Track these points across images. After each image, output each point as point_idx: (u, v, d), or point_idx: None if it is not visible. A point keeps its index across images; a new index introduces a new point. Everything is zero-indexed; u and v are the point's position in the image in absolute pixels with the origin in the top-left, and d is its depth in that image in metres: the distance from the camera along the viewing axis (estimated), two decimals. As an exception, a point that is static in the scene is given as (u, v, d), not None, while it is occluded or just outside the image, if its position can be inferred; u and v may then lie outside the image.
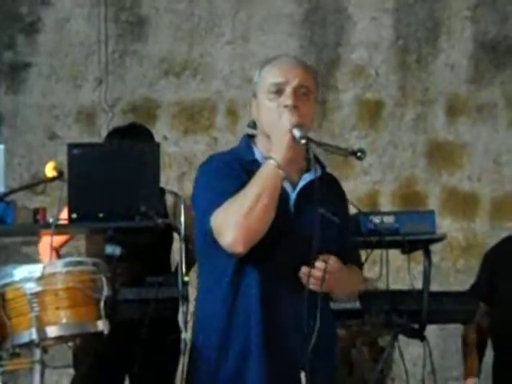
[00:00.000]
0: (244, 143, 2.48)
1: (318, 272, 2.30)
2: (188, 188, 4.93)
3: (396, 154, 5.02)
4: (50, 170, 3.18)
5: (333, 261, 2.32)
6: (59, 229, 3.05)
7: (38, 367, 2.53)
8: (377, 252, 3.26)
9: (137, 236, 3.14)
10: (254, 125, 3.05)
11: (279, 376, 2.32)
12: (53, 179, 3.17)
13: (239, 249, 2.28)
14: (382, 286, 3.32)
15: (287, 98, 2.34)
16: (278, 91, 2.36)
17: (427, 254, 3.36)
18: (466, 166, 5.01)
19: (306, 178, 2.41)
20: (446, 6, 5.04)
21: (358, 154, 3.35)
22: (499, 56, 5.04)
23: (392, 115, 5.03)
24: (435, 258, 3.60)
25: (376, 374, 3.48)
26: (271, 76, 2.39)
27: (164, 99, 5.02)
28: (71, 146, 3.12)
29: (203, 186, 2.40)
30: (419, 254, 3.44)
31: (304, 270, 2.31)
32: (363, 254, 3.23)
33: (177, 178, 4.98)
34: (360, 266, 2.56)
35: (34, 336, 2.46)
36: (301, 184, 2.40)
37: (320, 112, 5.02)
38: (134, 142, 3.48)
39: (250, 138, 2.48)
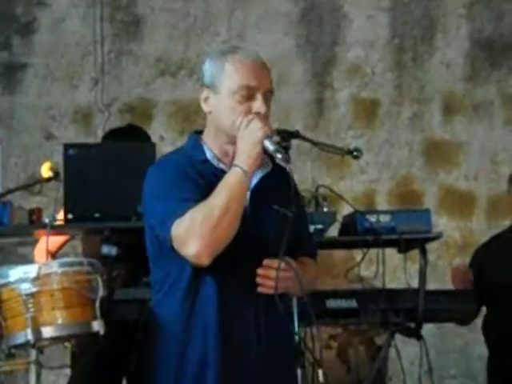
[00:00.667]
0: (192, 142, 2.40)
1: (273, 272, 2.26)
2: (185, 188, 4.95)
3: (392, 152, 5.02)
4: (45, 171, 3.18)
5: (288, 263, 2.28)
6: (55, 229, 3.04)
7: (33, 368, 2.52)
8: (373, 251, 3.26)
9: (135, 237, 3.13)
10: None
11: (236, 381, 2.28)
12: (49, 179, 3.17)
13: (204, 260, 2.22)
14: (378, 284, 3.32)
15: (260, 106, 2.28)
16: (248, 95, 2.29)
17: (423, 252, 3.36)
18: (462, 165, 5.01)
19: (258, 174, 2.35)
20: (442, 5, 5.04)
21: (354, 153, 3.36)
22: (495, 54, 5.04)
23: (388, 114, 5.03)
24: (431, 257, 3.60)
25: (373, 373, 3.48)
26: (242, 77, 2.30)
27: (160, 99, 5.02)
28: (67, 147, 3.12)
29: (158, 193, 2.31)
30: (415, 253, 3.44)
31: (260, 272, 2.27)
32: (360, 253, 3.23)
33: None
34: (315, 256, 2.49)
35: (30, 337, 2.45)
36: (254, 182, 2.34)
37: (316, 111, 5.02)
38: (130, 143, 3.46)
39: (197, 135, 2.41)
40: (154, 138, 4.82)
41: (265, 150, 2.29)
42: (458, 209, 4.97)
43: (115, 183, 3.07)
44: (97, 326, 2.49)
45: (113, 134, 3.60)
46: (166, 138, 5.00)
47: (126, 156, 3.16)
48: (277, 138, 2.30)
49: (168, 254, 2.30)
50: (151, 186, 2.36)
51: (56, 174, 3.13)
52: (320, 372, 2.35)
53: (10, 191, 3.25)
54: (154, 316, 2.40)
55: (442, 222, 4.79)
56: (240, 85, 2.30)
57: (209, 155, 2.36)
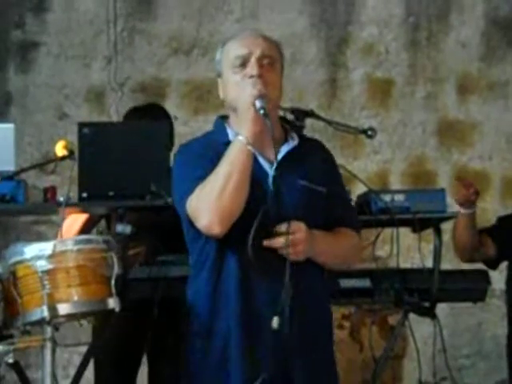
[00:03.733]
0: (217, 125, 2.45)
1: (281, 239, 2.25)
2: (198, 167, 4.94)
3: (406, 132, 5.00)
4: (60, 149, 3.18)
5: (296, 225, 2.27)
6: (69, 208, 3.05)
7: (49, 345, 2.54)
8: (387, 231, 3.26)
9: (153, 215, 3.14)
10: None
11: (260, 359, 2.29)
12: (63, 158, 3.17)
13: (216, 230, 2.26)
14: (392, 264, 3.32)
15: (252, 69, 2.32)
16: (243, 63, 2.34)
17: (438, 232, 3.36)
18: (476, 145, 4.98)
19: (283, 150, 2.37)
20: (457, -17, 5.01)
21: (369, 132, 3.35)
22: (511, 34, 5.00)
23: (402, 94, 5.00)
24: (446, 237, 3.59)
25: (386, 352, 3.48)
26: (234, 50, 2.36)
27: (173, 78, 5.01)
28: (82, 125, 3.12)
29: (177, 175, 2.39)
30: (430, 233, 3.43)
31: (266, 242, 2.27)
32: (373, 232, 3.23)
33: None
34: (356, 228, 2.47)
35: (46, 313, 2.47)
36: (278, 157, 2.34)
37: (330, 91, 5.00)
38: (144, 121, 3.47)
39: (224, 118, 2.45)
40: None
41: (283, 124, 2.29)
42: (472, 189, 4.95)
43: (130, 162, 3.08)
44: (112, 303, 2.50)
45: (134, 112, 3.60)
46: (179, 118, 4.99)
47: (141, 134, 3.16)
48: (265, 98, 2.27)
49: (194, 233, 2.34)
50: (173, 171, 2.44)
51: (71, 153, 3.14)
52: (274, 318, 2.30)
53: (24, 170, 3.25)
54: (187, 296, 2.44)
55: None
56: (233, 57, 2.36)
57: (231, 137, 2.38)
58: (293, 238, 2.26)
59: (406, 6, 5.01)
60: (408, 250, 3.85)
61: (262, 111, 2.25)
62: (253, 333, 2.29)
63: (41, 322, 2.53)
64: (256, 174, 2.29)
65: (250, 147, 2.25)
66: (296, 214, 2.29)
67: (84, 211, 3.21)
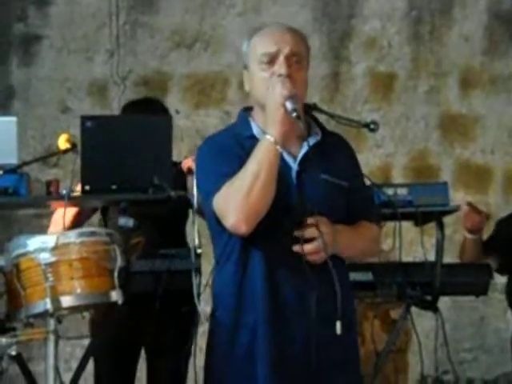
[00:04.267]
0: (241, 118, 2.44)
1: (311, 246, 2.27)
2: (200, 161, 4.94)
3: (409, 126, 5.00)
4: (63, 142, 3.18)
5: (322, 223, 2.28)
6: (72, 201, 3.05)
7: (52, 337, 2.54)
8: (390, 224, 3.26)
9: (154, 208, 3.13)
10: None
11: (288, 352, 2.31)
12: (66, 151, 3.17)
13: (243, 229, 2.27)
14: (394, 258, 3.32)
15: (280, 67, 2.31)
16: (271, 61, 2.33)
17: (440, 225, 3.35)
18: (479, 139, 4.98)
19: (306, 144, 2.36)
20: (460, -23, 5.00)
21: (371, 125, 3.35)
22: (514, 27, 5.00)
23: (405, 88, 5.00)
24: (448, 231, 3.59)
25: (388, 345, 3.48)
26: (262, 46, 2.35)
27: (176, 72, 5.01)
28: (84, 119, 3.11)
29: (203, 170, 2.38)
30: (432, 227, 3.43)
31: (297, 248, 2.28)
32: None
33: (189, 152, 4.98)
34: (377, 221, 2.48)
35: (49, 306, 2.47)
36: (301, 153, 2.36)
37: (332, 85, 5.00)
38: (147, 115, 3.46)
39: (247, 111, 2.45)
40: (170, 111, 4.83)
41: (307, 119, 2.30)
42: (475, 183, 4.96)
43: (132, 155, 3.07)
44: (115, 295, 2.51)
45: (131, 106, 3.59)
46: (181, 111, 4.99)
47: (143, 128, 3.16)
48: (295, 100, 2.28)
49: (218, 228, 2.34)
50: (197, 166, 2.43)
51: (73, 146, 3.14)
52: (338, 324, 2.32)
53: (26, 163, 3.25)
54: (214, 289, 2.44)
55: (458, 196, 4.77)
56: (261, 53, 2.34)
57: (255, 131, 2.39)
58: (321, 239, 2.27)
59: (408, -1, 5.01)
60: (410, 244, 3.85)
61: (294, 114, 2.25)
62: (280, 328, 2.30)
63: (44, 315, 2.53)
64: (280, 170, 2.30)
65: (278, 147, 2.26)
66: (319, 207, 2.30)
67: (74, 205, 3.20)
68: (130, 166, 3.06)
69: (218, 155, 2.35)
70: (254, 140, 2.35)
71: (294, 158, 2.36)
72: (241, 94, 5.02)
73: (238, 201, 2.24)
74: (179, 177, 3.23)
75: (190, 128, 5.01)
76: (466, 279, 3.38)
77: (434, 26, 5.00)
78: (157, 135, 3.12)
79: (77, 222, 3.29)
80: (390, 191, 3.25)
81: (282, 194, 2.28)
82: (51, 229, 3.42)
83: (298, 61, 2.35)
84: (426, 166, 4.97)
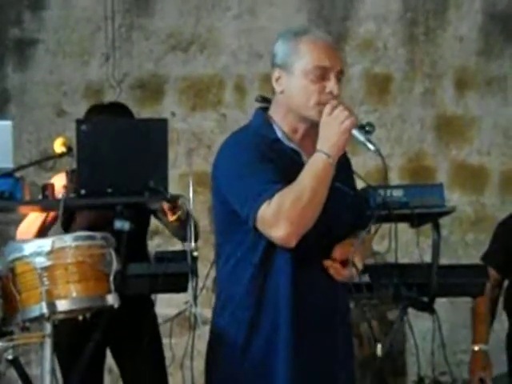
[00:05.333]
0: (260, 120, 2.43)
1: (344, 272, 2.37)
2: (196, 164, 4.94)
3: (404, 128, 5.00)
4: (58, 146, 3.19)
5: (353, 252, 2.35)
6: (68, 204, 3.05)
7: (48, 341, 2.54)
8: (386, 226, 3.25)
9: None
10: (262, 99, 3.04)
11: (308, 359, 2.33)
12: (62, 155, 3.18)
13: (292, 243, 2.29)
14: (390, 259, 3.32)
15: (333, 86, 2.33)
16: (322, 75, 2.34)
17: (436, 227, 3.35)
18: (475, 140, 4.99)
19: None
20: (455, -22, 5.01)
21: (367, 127, 3.33)
22: (509, 28, 5.00)
23: (400, 89, 5.00)
24: (444, 232, 3.60)
25: (385, 347, 3.48)
26: (316, 58, 2.35)
27: (171, 74, 5.01)
28: (80, 122, 3.12)
29: (238, 171, 2.34)
30: (428, 228, 3.43)
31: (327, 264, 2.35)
32: (372, 228, 3.23)
33: (185, 154, 4.98)
34: (369, 230, 2.55)
35: (45, 310, 2.47)
36: None
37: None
38: (142, 118, 3.47)
39: (264, 112, 2.44)
40: (166, 114, 4.84)
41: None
42: (471, 184, 4.96)
43: (128, 159, 3.08)
44: (111, 299, 2.51)
45: (95, 110, 3.57)
46: (177, 114, 5.00)
47: (139, 131, 3.16)
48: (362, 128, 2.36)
49: (239, 227, 2.34)
50: (229, 164, 2.38)
51: (69, 150, 3.14)
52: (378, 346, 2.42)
53: (22, 167, 3.25)
54: (222, 291, 2.44)
55: (454, 198, 4.78)
56: (314, 65, 2.35)
57: (279, 134, 2.40)
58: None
59: (403, 1, 5.01)
60: (406, 245, 3.84)
61: (371, 147, 2.33)
62: (301, 330, 2.33)
63: (40, 319, 2.53)
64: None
65: (333, 166, 2.31)
66: (334, 216, 2.35)
67: (43, 210, 3.20)
68: (126, 169, 3.07)
69: (259, 159, 2.34)
70: (278, 143, 2.37)
71: None
72: (236, 96, 5.03)
73: (294, 216, 2.25)
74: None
75: (186, 131, 5.01)
76: (463, 280, 3.37)
77: (428, 27, 5.01)
78: (153, 138, 3.12)
79: (47, 228, 3.30)
80: (385, 193, 3.25)
81: None
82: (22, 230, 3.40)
83: (340, 79, 2.38)
84: (422, 167, 4.97)
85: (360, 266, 2.41)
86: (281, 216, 2.25)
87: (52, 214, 3.28)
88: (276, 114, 2.41)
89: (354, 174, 2.57)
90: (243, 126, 2.49)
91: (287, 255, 2.33)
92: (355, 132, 2.31)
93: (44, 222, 3.31)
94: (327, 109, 2.31)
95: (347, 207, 2.42)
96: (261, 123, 2.42)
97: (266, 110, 2.45)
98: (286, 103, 2.39)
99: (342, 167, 2.45)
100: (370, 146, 2.34)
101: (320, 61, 2.34)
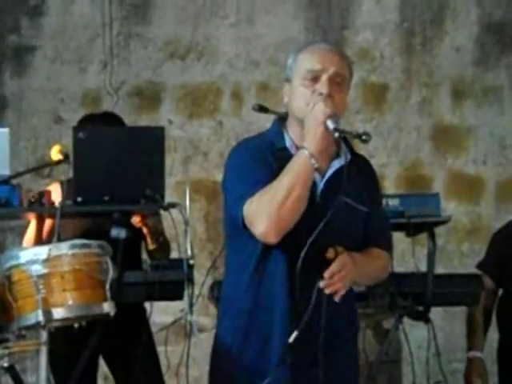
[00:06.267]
0: (276, 128, 2.47)
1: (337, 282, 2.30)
2: (193, 172, 4.95)
3: (401, 137, 5.01)
4: (55, 154, 3.19)
5: (338, 264, 2.31)
6: (65, 212, 3.05)
7: (44, 349, 2.55)
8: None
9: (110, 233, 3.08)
10: (258, 108, 3.06)
11: (303, 359, 2.34)
12: (58, 162, 3.18)
13: (271, 239, 2.31)
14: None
15: (323, 86, 2.34)
16: (314, 78, 2.36)
17: (432, 236, 3.37)
18: (471, 150, 5.00)
19: (335, 164, 2.41)
20: (451, -11, 5.02)
21: (363, 136, 3.35)
22: (505, 38, 5.02)
23: (397, 98, 5.02)
24: (440, 241, 3.60)
25: (380, 356, 3.49)
26: (308, 62, 2.38)
27: (169, 82, 5.01)
28: (77, 130, 3.12)
29: (235, 173, 2.41)
30: (424, 237, 3.44)
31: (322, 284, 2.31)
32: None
33: (182, 162, 4.99)
34: (388, 248, 2.54)
35: (41, 318, 2.47)
36: (329, 172, 2.40)
37: (325, 95, 5.01)
38: (139, 126, 3.46)
39: (282, 121, 2.47)
40: (163, 122, 4.84)
41: (337, 140, 2.34)
42: (467, 193, 4.97)
43: (124, 166, 3.08)
44: (107, 307, 2.51)
45: (87, 120, 3.57)
46: (174, 122, 5.00)
47: (136, 139, 3.17)
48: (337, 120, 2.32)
49: (241, 233, 2.37)
50: (230, 167, 2.45)
51: (66, 157, 3.15)
52: None
53: (19, 174, 3.26)
54: (223, 296, 2.48)
55: (450, 207, 4.79)
56: (306, 69, 2.38)
57: (288, 143, 2.42)
58: (339, 275, 2.30)
59: (400, 11, 5.03)
60: (402, 254, 3.87)
61: (336, 134, 2.28)
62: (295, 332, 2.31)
63: (36, 326, 2.53)
64: None
65: (313, 162, 2.29)
66: (338, 230, 2.34)
67: (40, 217, 3.20)
68: (123, 176, 3.07)
69: (253, 162, 2.38)
70: (285, 152, 2.39)
71: (322, 176, 2.40)
72: (233, 104, 5.04)
73: (271, 211, 2.27)
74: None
75: (183, 138, 5.01)
76: (458, 290, 3.38)
77: (425, 37, 5.02)
78: (149, 146, 3.12)
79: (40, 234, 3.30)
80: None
81: (306, 210, 2.32)
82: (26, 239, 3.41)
83: (339, 82, 2.38)
84: (418, 176, 4.98)
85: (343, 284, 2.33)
86: (259, 213, 2.29)
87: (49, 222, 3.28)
88: (288, 124, 2.46)
89: (378, 186, 2.54)
90: (257, 134, 2.54)
91: (283, 262, 2.34)
92: (328, 122, 2.29)
93: (42, 230, 3.31)
94: (309, 106, 2.33)
95: (352, 223, 2.40)
96: (274, 131, 2.47)
97: (284, 120, 2.48)
98: (291, 112, 2.43)
99: (364, 179, 2.45)
100: (336, 134, 2.27)
101: (312, 64, 2.37)
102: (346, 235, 2.37)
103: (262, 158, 2.38)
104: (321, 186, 2.39)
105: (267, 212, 2.27)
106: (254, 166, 2.37)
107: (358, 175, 2.43)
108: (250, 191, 2.32)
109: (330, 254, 2.31)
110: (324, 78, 2.35)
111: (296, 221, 2.30)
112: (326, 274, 2.29)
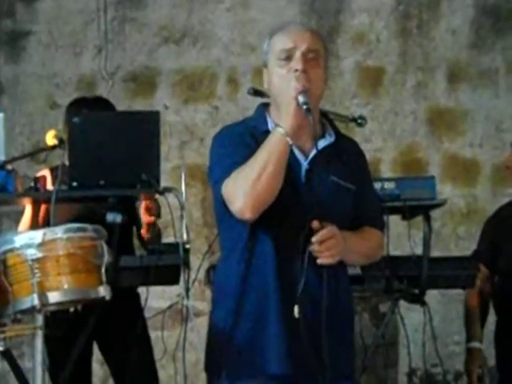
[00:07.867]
0: (259, 112, 2.49)
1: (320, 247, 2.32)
2: (189, 157, 4.95)
3: (397, 121, 5.01)
4: (50, 139, 3.18)
5: (327, 230, 2.32)
6: (60, 197, 3.05)
7: (40, 333, 2.55)
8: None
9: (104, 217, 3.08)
10: (253, 92, 3.05)
11: (297, 338, 2.33)
12: (53, 147, 3.17)
13: (247, 215, 2.31)
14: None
15: (297, 63, 2.36)
16: (288, 57, 2.38)
17: (427, 219, 3.37)
18: (467, 133, 5.00)
19: (320, 145, 2.41)
20: (447, -28, 5.01)
21: (359, 120, 3.37)
22: (500, 21, 5.01)
23: (393, 82, 5.01)
24: (436, 225, 3.61)
25: (377, 339, 3.50)
26: (281, 43, 2.40)
27: (164, 67, 5.00)
28: (72, 115, 3.11)
29: (215, 157, 2.44)
30: (419, 221, 3.45)
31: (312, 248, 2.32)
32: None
33: (178, 147, 4.98)
34: (381, 227, 2.55)
35: (36, 302, 2.48)
36: (313, 152, 2.40)
37: (321, 79, 5.00)
38: (134, 111, 3.45)
39: (266, 106, 2.49)
40: (158, 107, 4.84)
41: (322, 119, 2.33)
42: (463, 177, 4.97)
43: (120, 151, 3.07)
44: (103, 291, 2.51)
45: (77, 103, 3.56)
46: (170, 107, 4.99)
47: (131, 124, 3.15)
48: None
49: (228, 215, 2.37)
50: (212, 153, 2.47)
51: (61, 142, 3.14)
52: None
53: (14, 159, 3.24)
54: (216, 280, 2.50)
55: (446, 190, 4.79)
56: (279, 50, 2.39)
57: (270, 126, 2.43)
58: (327, 243, 2.31)
59: (396, -6, 5.02)
60: (398, 238, 3.85)
61: (305, 106, 2.29)
62: (287, 312, 2.32)
63: (31, 311, 2.53)
64: (290, 165, 2.35)
65: (288, 139, 2.30)
66: (324, 208, 2.34)
67: (35, 202, 3.20)
68: (118, 161, 3.06)
69: (231, 145, 2.40)
70: (267, 135, 2.38)
71: (306, 156, 2.40)
72: (229, 89, 5.03)
73: (246, 187, 2.29)
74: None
75: (179, 123, 5.01)
76: (453, 272, 3.38)
77: (421, 20, 5.01)
78: (145, 131, 3.11)
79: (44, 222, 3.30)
80: (377, 185, 3.26)
81: (290, 189, 2.33)
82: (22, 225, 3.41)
83: (314, 58, 2.38)
84: (414, 160, 4.98)
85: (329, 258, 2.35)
86: (234, 190, 2.31)
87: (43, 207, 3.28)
88: (271, 108, 2.47)
89: (366, 166, 2.55)
90: (241, 119, 2.54)
91: (270, 242, 2.35)
92: (299, 97, 2.29)
93: (37, 216, 3.31)
94: (284, 84, 2.34)
95: (341, 202, 2.40)
96: (257, 116, 2.48)
97: (268, 105, 2.49)
98: (272, 95, 2.44)
99: (350, 161, 2.45)
100: (304, 107, 2.28)
101: (284, 44, 2.39)
102: (335, 214, 2.37)
103: (243, 141, 2.40)
104: (305, 165, 2.39)
105: (242, 189, 2.29)
106: (233, 149, 2.39)
107: (345, 155, 2.43)
108: (227, 172, 2.34)
109: (315, 224, 2.31)
110: (297, 54, 2.36)
111: (273, 197, 2.30)
112: (314, 239, 2.31)
